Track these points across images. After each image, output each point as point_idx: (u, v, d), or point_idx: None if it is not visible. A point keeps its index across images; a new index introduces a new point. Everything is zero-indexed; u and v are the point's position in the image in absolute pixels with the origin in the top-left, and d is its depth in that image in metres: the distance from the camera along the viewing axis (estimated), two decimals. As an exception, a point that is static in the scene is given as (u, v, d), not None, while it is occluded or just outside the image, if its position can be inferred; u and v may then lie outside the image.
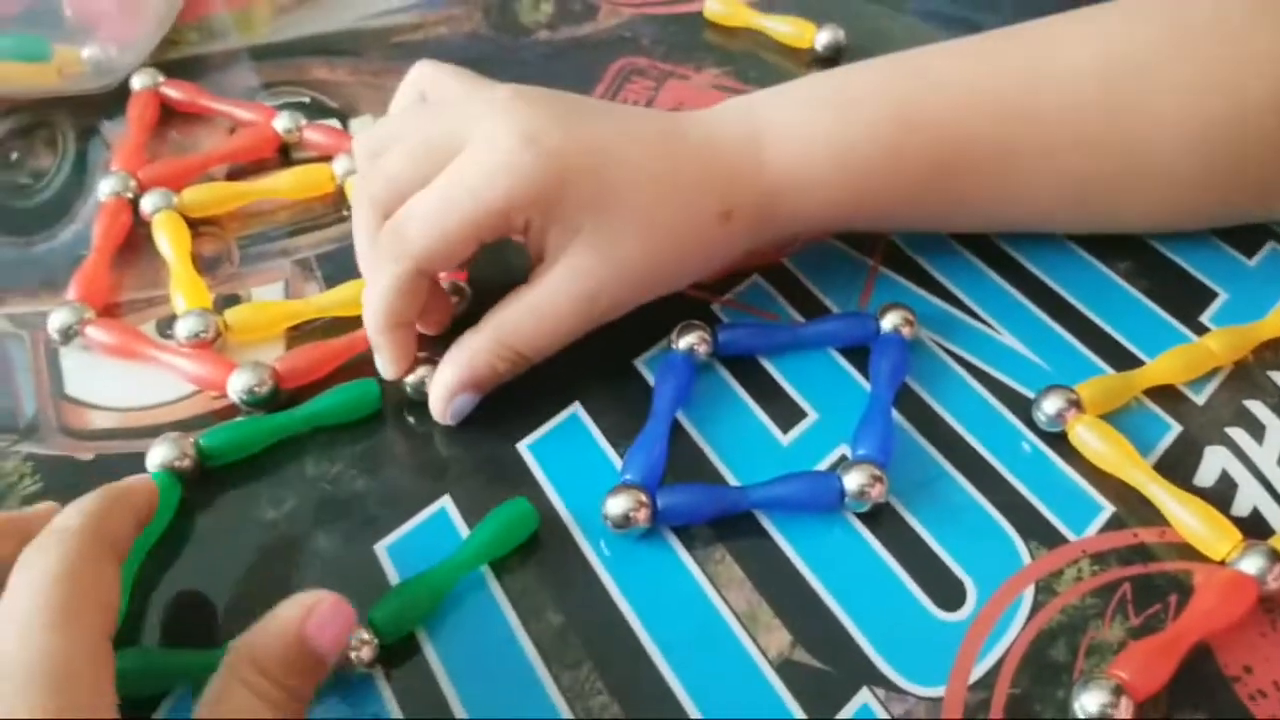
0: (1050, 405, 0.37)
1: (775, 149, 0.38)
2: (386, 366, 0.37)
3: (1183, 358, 0.38)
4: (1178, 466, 0.36)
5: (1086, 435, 0.36)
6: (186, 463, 0.34)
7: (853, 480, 0.34)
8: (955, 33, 0.52)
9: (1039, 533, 0.34)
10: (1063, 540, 0.34)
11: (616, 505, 0.33)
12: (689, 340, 0.38)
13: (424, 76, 0.39)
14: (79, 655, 0.25)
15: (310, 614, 0.27)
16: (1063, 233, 0.43)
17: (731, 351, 0.39)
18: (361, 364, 0.38)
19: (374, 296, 0.35)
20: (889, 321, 0.39)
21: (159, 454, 0.34)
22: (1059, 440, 0.37)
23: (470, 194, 0.34)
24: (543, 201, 0.34)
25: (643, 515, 0.33)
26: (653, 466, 0.35)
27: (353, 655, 0.30)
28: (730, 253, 0.39)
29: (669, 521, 0.34)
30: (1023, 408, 0.38)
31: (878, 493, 0.34)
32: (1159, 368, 0.38)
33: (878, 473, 0.34)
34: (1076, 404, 0.36)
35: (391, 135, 0.36)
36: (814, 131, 0.38)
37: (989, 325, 0.40)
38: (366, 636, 0.30)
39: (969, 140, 0.38)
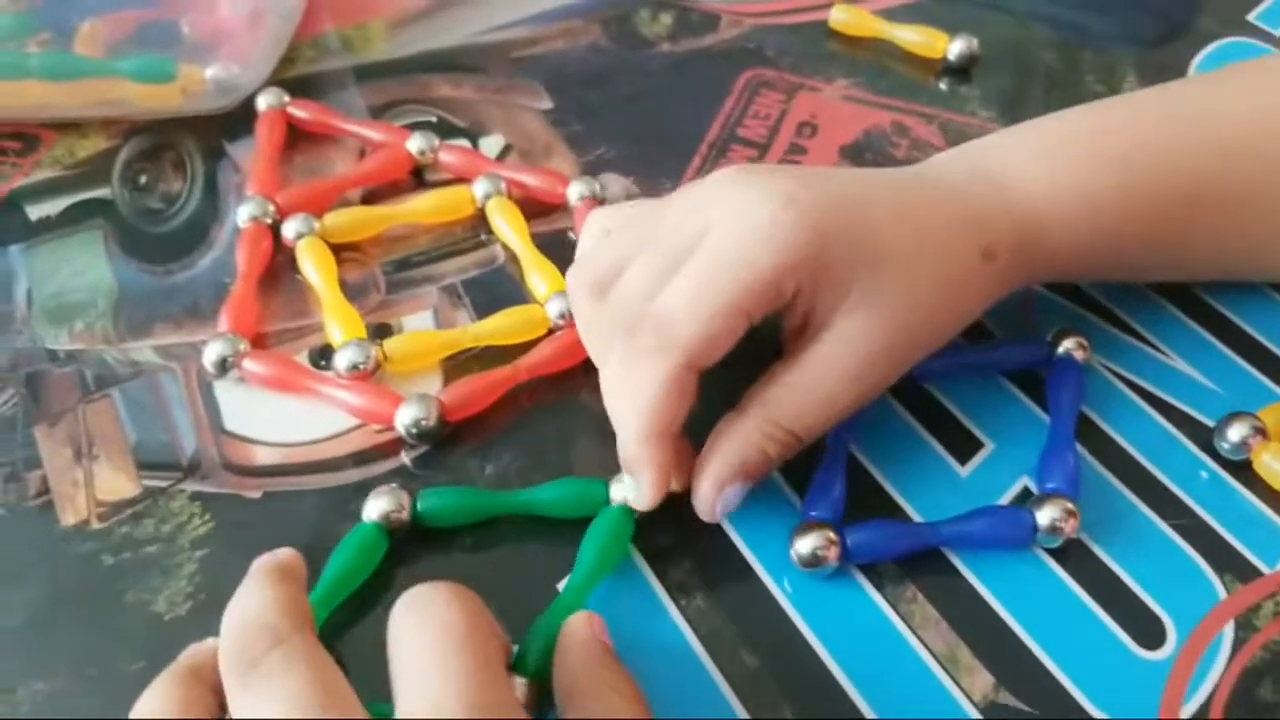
0: (1235, 433, 0.36)
1: (1019, 190, 0.36)
2: (645, 490, 0.33)
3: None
4: (1368, 496, 0.35)
5: (1274, 463, 0.35)
6: (403, 515, 0.34)
7: (1045, 515, 0.33)
8: (1068, 35, 0.52)
9: (1232, 565, 0.34)
10: (1257, 573, 0.34)
11: (806, 544, 0.33)
12: (856, 368, 0.37)
13: (606, 216, 0.37)
14: (510, 700, 0.26)
15: (589, 622, 0.30)
16: None
17: (899, 378, 0.38)
18: (518, 394, 0.38)
19: (639, 400, 0.32)
20: (1064, 346, 0.38)
21: (376, 507, 0.34)
22: (1241, 468, 0.36)
23: (731, 271, 0.31)
24: (811, 262, 0.31)
25: (833, 554, 0.33)
26: (835, 503, 0.34)
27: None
28: (993, 295, 0.36)
29: (858, 559, 0.34)
30: (1202, 435, 0.37)
31: (1070, 528, 0.33)
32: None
33: (1071, 507, 0.33)
34: (1261, 431, 0.36)
35: (616, 259, 0.34)
36: (1053, 171, 0.36)
37: (1159, 350, 0.40)
38: (523, 684, 0.29)
39: (1204, 182, 0.37)
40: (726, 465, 0.33)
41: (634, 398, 0.32)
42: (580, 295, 0.34)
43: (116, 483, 0.36)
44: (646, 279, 0.32)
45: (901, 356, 0.34)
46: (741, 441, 0.33)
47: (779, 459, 0.33)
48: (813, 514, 0.34)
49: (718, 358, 0.32)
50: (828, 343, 0.33)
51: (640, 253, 0.33)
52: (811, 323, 0.33)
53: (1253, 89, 0.39)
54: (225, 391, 0.39)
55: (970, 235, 0.34)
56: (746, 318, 0.32)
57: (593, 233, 0.37)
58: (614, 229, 0.36)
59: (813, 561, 0.33)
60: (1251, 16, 0.54)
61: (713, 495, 0.33)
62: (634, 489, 0.33)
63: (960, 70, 0.51)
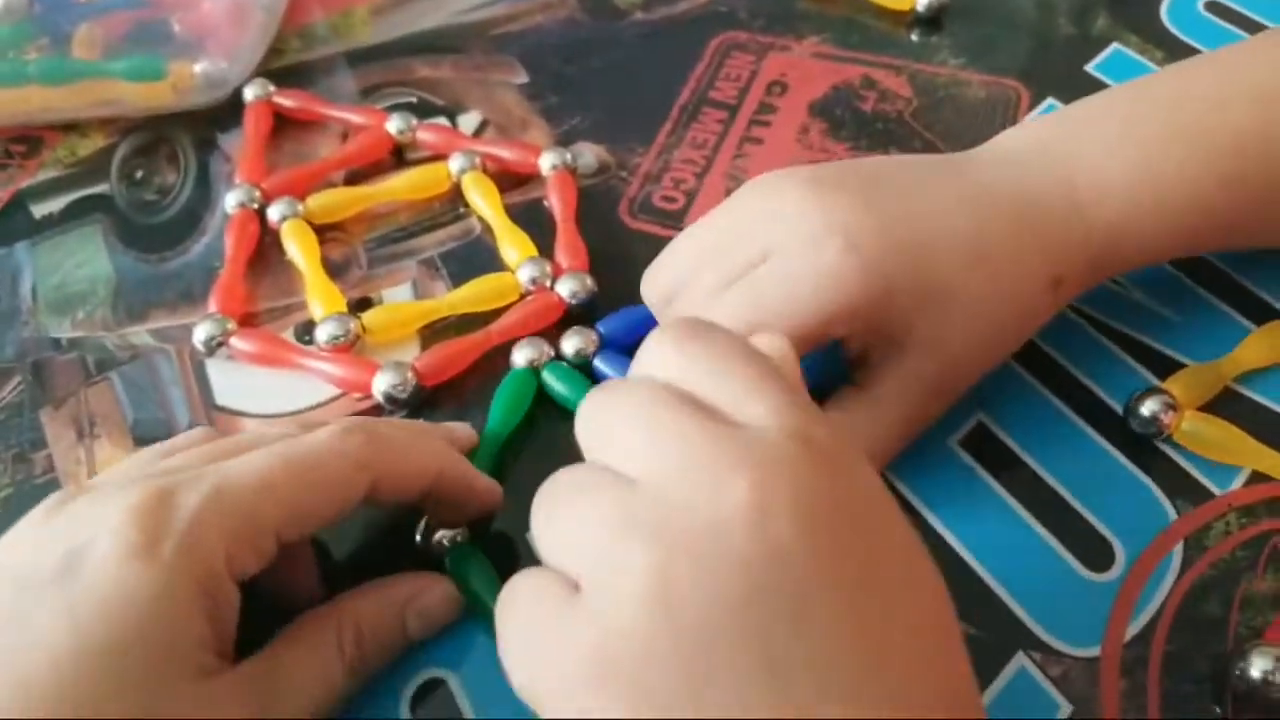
0: (1146, 409, 0.36)
1: (1099, 204, 0.34)
2: None
3: (1268, 339, 0.38)
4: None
5: (1195, 433, 0.35)
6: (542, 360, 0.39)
7: None
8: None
9: (1183, 489, 0.35)
10: (1208, 495, 0.34)
11: None
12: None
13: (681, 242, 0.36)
14: None
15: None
16: None
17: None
18: (492, 358, 0.39)
19: None
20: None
21: (524, 355, 0.39)
22: (1194, 397, 0.37)
23: (777, 310, 0.31)
24: (865, 312, 0.31)
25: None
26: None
27: None
28: (1050, 316, 0.35)
29: None
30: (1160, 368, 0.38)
31: None
32: (1247, 353, 0.37)
33: None
34: (1172, 406, 0.35)
35: (683, 270, 0.34)
36: (1134, 179, 0.34)
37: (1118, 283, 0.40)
38: None
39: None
40: None
41: None
42: (651, 305, 0.36)
43: (116, 459, 0.38)
44: (703, 294, 0.33)
45: (958, 389, 0.34)
46: None
47: None
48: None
49: None
50: (887, 379, 0.33)
51: (702, 266, 0.34)
52: (870, 358, 0.33)
53: None
54: (216, 369, 0.41)
55: (1042, 265, 0.33)
56: None
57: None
58: (682, 239, 0.36)
59: None
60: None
61: None
62: None
63: (931, 20, 0.51)
